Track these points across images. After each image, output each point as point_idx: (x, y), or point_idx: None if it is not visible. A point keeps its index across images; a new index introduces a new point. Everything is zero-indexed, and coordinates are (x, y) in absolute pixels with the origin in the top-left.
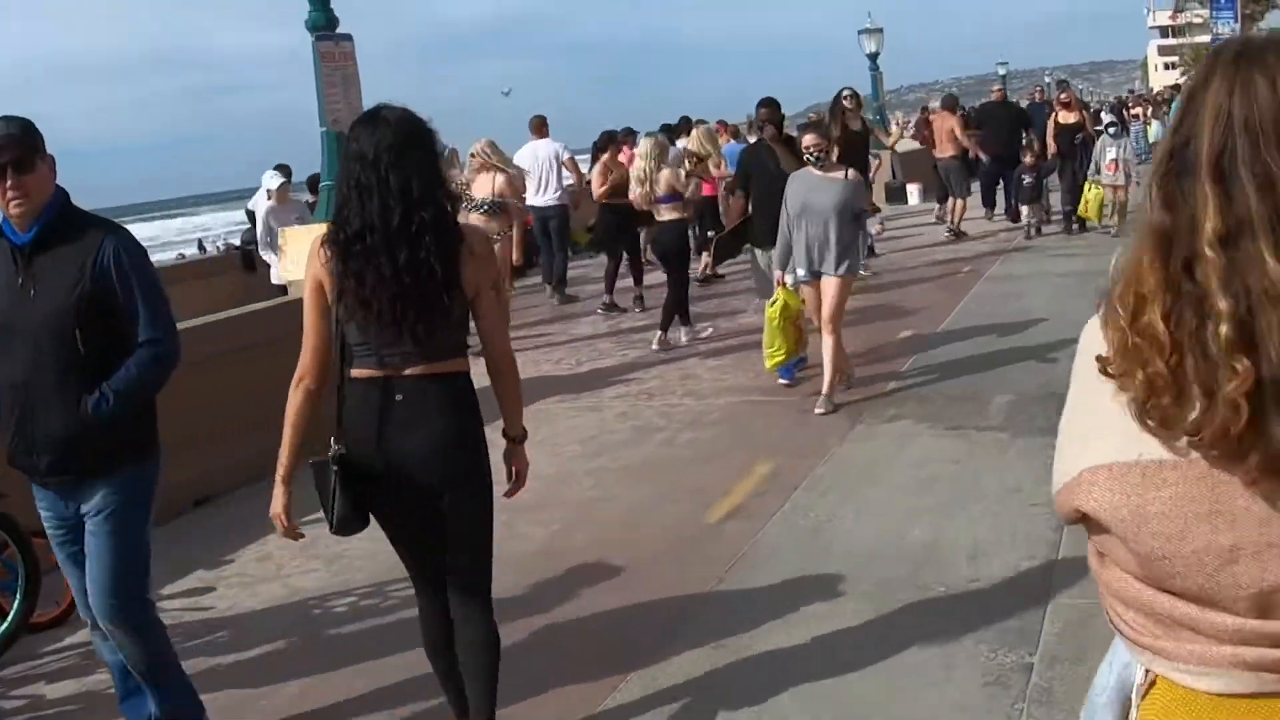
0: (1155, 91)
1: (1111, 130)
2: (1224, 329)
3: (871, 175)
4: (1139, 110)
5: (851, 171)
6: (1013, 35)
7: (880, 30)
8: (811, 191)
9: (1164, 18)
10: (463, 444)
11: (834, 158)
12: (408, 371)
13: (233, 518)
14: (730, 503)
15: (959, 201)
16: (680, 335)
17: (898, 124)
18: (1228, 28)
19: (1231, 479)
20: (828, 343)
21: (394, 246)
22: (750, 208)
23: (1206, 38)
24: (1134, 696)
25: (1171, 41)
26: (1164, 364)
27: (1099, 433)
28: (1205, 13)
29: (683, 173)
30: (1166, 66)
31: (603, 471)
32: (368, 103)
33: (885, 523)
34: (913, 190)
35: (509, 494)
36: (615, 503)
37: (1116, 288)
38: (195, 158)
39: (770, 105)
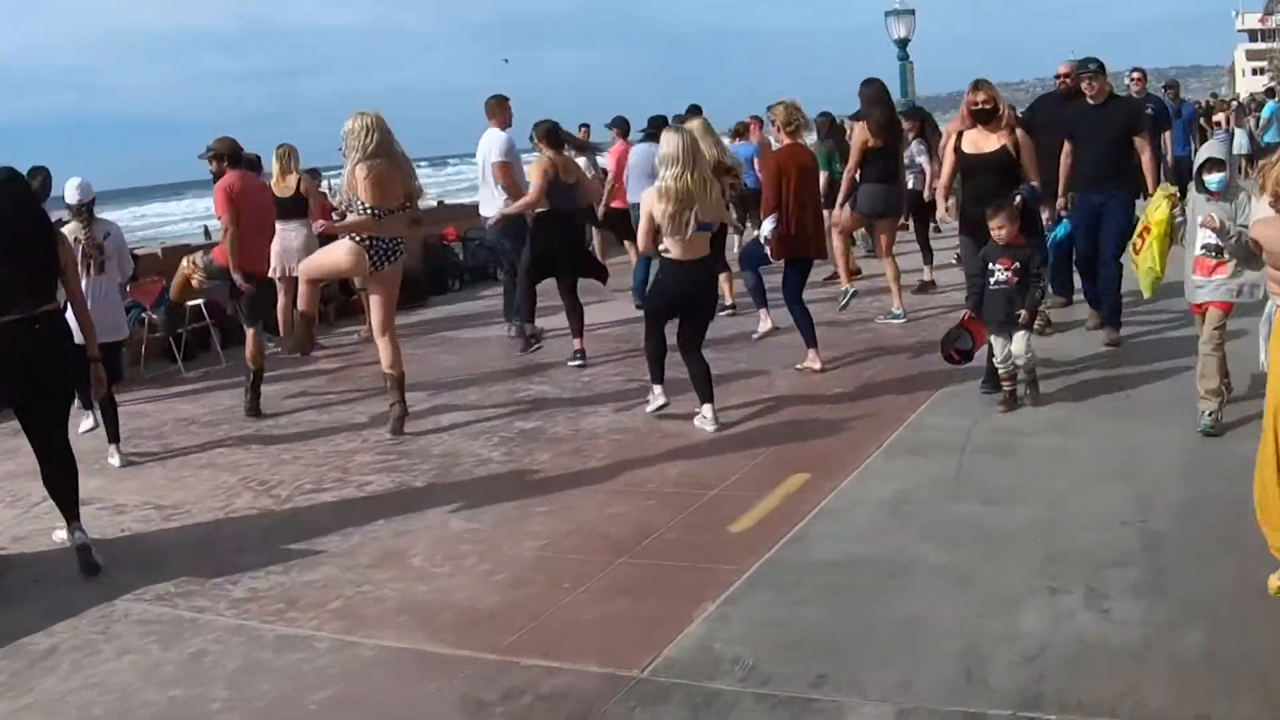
0: (1241, 98)
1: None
2: None
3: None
4: (1222, 117)
5: None
6: (1090, 41)
7: (911, 12)
8: None
9: (1253, 21)
10: (54, 351)
11: None
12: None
13: None
14: None
15: None
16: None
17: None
18: None
19: None
20: None
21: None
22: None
23: None
24: (1275, 314)
25: (1260, 46)
26: None
27: (1262, 209)
28: None
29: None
30: (1254, 71)
31: None
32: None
33: None
34: None
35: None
36: None
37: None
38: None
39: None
